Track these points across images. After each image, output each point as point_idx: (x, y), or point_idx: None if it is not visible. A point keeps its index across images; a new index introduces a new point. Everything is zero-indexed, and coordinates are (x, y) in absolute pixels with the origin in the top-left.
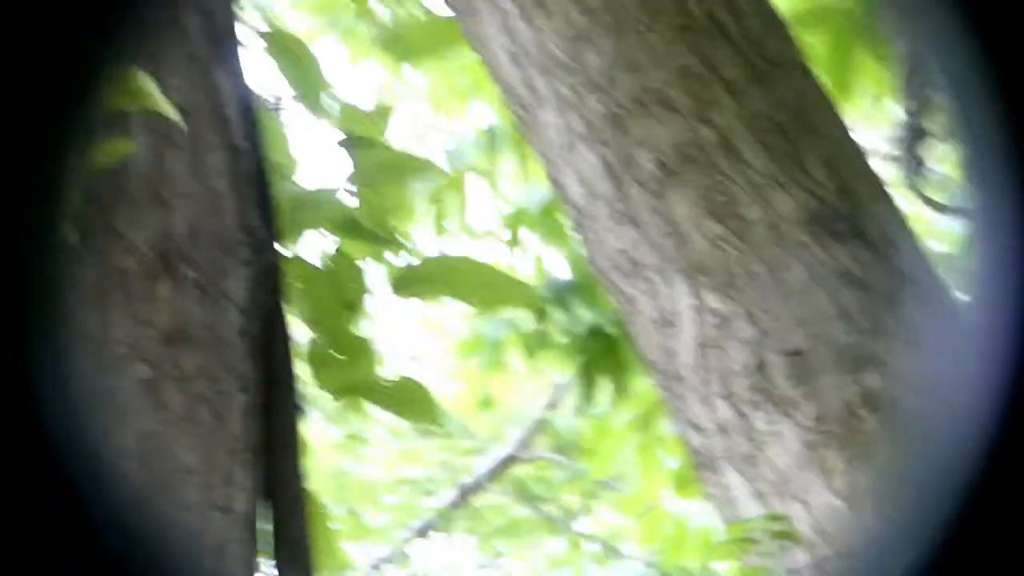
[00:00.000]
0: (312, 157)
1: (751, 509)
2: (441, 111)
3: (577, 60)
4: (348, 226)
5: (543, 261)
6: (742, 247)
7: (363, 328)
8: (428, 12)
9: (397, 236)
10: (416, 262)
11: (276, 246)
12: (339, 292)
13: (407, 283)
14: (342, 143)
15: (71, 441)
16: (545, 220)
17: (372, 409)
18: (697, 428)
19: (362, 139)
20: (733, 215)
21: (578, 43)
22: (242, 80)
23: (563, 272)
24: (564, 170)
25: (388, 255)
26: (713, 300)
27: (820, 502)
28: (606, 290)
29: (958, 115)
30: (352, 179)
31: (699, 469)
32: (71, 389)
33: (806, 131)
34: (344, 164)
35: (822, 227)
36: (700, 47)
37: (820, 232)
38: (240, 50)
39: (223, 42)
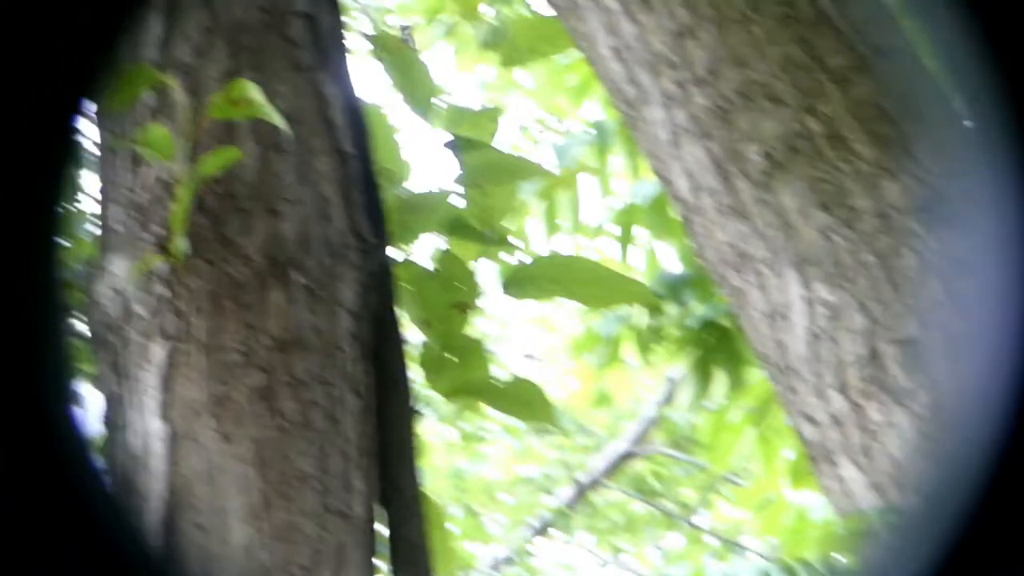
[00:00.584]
0: (422, 160)
1: (868, 501)
2: (550, 110)
3: (681, 55)
4: (457, 227)
5: (655, 256)
6: (852, 237)
7: (475, 328)
8: (534, 12)
9: (507, 236)
10: (528, 261)
11: (386, 249)
12: (449, 293)
13: (518, 283)
14: (448, 145)
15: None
16: (655, 215)
17: (487, 408)
18: (811, 420)
19: (469, 141)
20: (842, 205)
21: (681, 38)
22: (349, 85)
23: (675, 266)
24: (671, 165)
25: (501, 255)
26: (824, 291)
27: None
28: (716, 284)
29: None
30: (460, 181)
31: (814, 461)
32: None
33: (914, 117)
34: (452, 166)
35: (932, 214)
36: (804, 36)
37: (930, 219)
38: (347, 55)
39: (329, 47)
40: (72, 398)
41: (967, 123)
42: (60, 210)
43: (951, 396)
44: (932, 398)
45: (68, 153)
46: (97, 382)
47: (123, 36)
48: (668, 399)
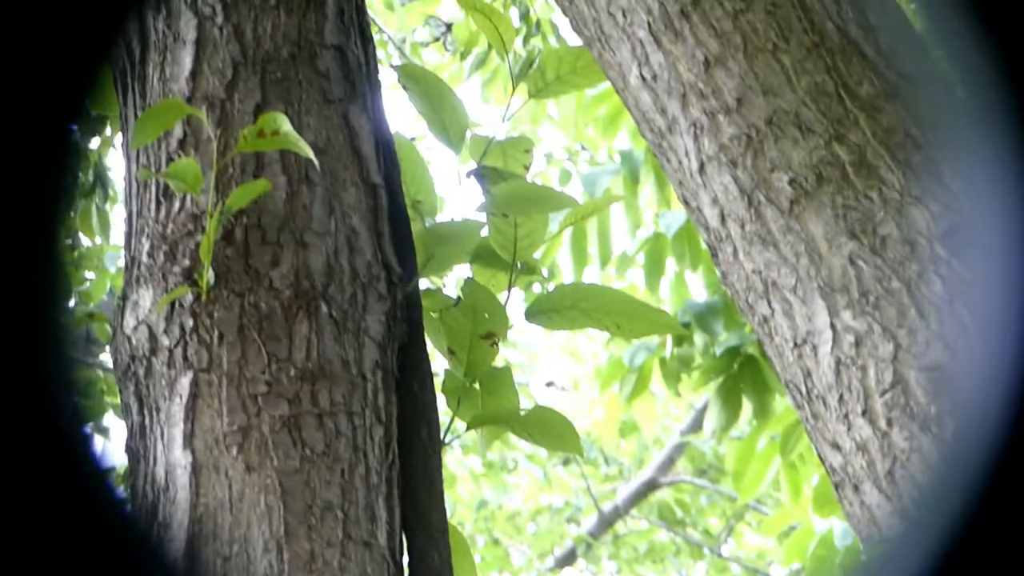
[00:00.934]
0: (454, 191)
1: (894, 528)
2: (579, 140)
3: (709, 83)
4: (485, 256)
5: (683, 284)
6: (879, 264)
7: (501, 358)
8: (562, 41)
9: (537, 266)
10: (552, 289)
11: (414, 280)
12: (475, 322)
13: (544, 312)
14: (473, 174)
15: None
16: (683, 244)
17: (512, 437)
18: (836, 447)
19: (496, 171)
20: (869, 232)
21: (709, 66)
22: (379, 116)
23: (702, 295)
24: (697, 193)
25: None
26: (850, 318)
27: None
28: (741, 312)
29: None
30: (487, 209)
31: (839, 488)
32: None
33: (942, 144)
34: (479, 195)
35: (959, 240)
36: (832, 65)
37: (957, 245)
38: (377, 86)
39: (359, 79)
40: (86, 426)
41: (992, 147)
42: (62, 218)
43: (977, 421)
44: (958, 424)
45: (65, 165)
46: (122, 412)
47: (112, 41)
48: (694, 428)
